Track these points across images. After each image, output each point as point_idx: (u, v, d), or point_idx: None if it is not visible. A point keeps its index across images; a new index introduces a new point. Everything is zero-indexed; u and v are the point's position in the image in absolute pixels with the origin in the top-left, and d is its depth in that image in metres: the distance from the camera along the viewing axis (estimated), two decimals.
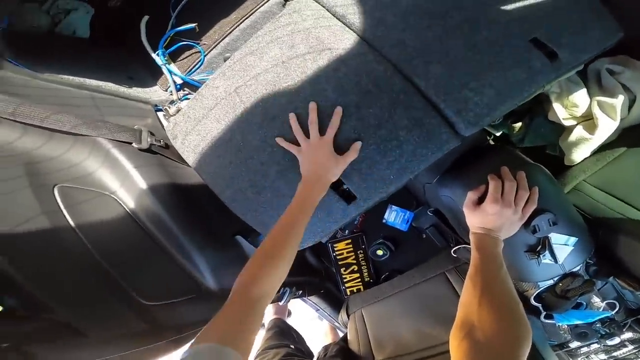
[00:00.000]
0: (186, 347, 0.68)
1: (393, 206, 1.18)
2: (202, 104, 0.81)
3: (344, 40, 0.72)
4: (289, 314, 1.76)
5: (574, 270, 0.73)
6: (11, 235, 0.57)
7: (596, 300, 0.79)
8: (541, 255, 0.69)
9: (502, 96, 0.65)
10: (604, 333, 0.79)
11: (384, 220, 1.20)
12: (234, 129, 0.77)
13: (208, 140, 0.80)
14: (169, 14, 0.96)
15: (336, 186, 0.71)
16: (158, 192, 0.82)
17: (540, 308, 0.77)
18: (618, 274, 0.75)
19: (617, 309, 0.77)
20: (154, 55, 0.94)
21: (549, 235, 0.69)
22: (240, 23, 0.91)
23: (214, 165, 0.80)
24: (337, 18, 0.75)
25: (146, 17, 0.96)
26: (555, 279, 0.74)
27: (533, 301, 0.77)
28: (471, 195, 0.68)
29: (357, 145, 0.68)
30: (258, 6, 0.90)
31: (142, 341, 0.64)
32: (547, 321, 0.78)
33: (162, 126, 0.94)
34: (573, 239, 0.70)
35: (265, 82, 0.74)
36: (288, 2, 0.82)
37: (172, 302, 0.78)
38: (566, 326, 0.82)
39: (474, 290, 0.55)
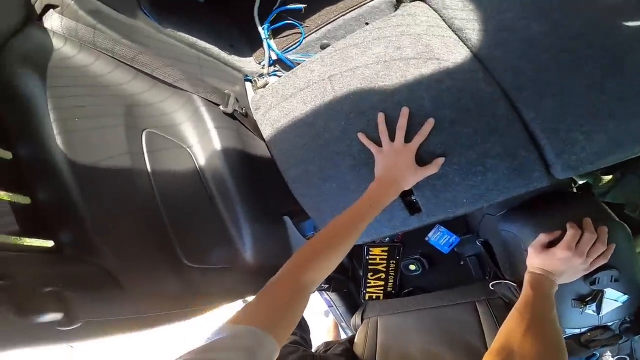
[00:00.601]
0: (208, 318, 0.68)
1: (441, 227, 1.15)
2: (293, 82, 0.84)
3: (455, 54, 0.69)
4: None
5: (608, 324, 0.73)
6: (93, 168, 0.59)
7: (608, 354, 0.81)
8: (587, 306, 0.69)
9: (614, 146, 0.60)
10: None
11: (426, 238, 1.17)
12: (318, 114, 0.78)
13: (289, 118, 0.82)
14: None
15: (405, 195, 0.70)
16: (229, 155, 0.85)
17: None
18: None
19: None
20: (259, 28, 0.98)
21: (605, 290, 0.68)
22: (347, 13, 0.92)
23: (288, 143, 0.82)
24: (452, 30, 0.73)
25: None
26: (585, 328, 0.74)
27: None
28: (544, 237, 0.67)
29: (440, 160, 0.66)
30: (367, 0, 0.91)
31: (174, 304, 0.64)
32: None
33: (247, 96, 0.99)
34: (625, 297, 0.69)
35: (362, 77, 0.74)
36: (403, 4, 0.82)
37: (210, 268, 0.79)
38: None
39: (521, 320, 0.55)
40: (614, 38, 0.63)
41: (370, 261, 1.22)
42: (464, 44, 0.71)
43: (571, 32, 0.64)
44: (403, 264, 1.21)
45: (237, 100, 0.96)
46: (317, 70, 0.81)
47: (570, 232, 0.63)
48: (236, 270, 0.86)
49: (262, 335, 0.39)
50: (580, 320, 0.72)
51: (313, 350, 1.10)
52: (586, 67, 0.62)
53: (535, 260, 0.66)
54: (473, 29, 0.71)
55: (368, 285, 1.24)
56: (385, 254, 1.22)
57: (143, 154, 0.71)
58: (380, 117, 0.70)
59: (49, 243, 0.54)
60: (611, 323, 0.73)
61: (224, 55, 0.99)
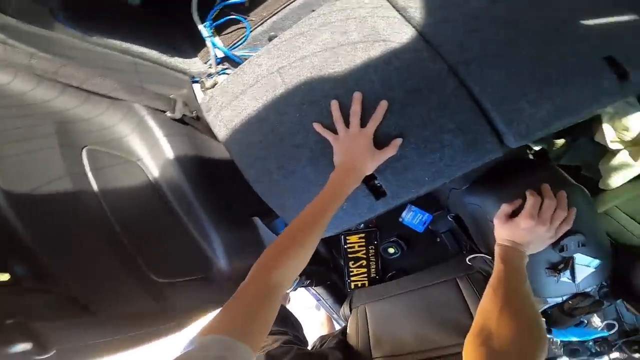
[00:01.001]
0: (188, 332, 0.66)
1: (412, 206, 1.17)
2: (242, 79, 0.80)
3: (401, 34, 0.69)
4: (288, 300, 1.76)
5: (587, 290, 0.74)
6: (32, 197, 0.55)
7: (597, 319, 0.81)
8: (561, 274, 0.69)
9: (560, 112, 0.61)
10: (594, 351, 0.82)
11: (400, 219, 1.19)
12: (271, 108, 0.75)
13: (242, 117, 0.79)
14: None
15: (367, 180, 0.68)
16: (183, 163, 0.82)
17: (546, 322, 0.79)
18: (627, 298, 0.78)
19: (614, 330, 0.80)
20: (200, 27, 0.93)
21: (574, 255, 0.69)
22: (292, 2, 0.89)
23: (245, 143, 0.79)
24: (396, 10, 0.72)
25: None
26: (565, 297, 0.75)
27: None
28: (505, 208, 0.67)
29: (398, 142, 0.65)
30: None
31: (151, 322, 0.62)
32: None
33: (196, 98, 0.93)
34: (596, 262, 0.70)
35: (311, 66, 0.72)
36: None
37: (184, 281, 0.76)
38: (559, 341, 0.84)
39: (495, 299, 0.56)
40: (553, 9, 0.65)
41: (349, 250, 1.22)
42: (409, 22, 0.70)
43: (513, 5, 0.66)
44: (382, 248, 1.22)
45: (186, 104, 0.90)
46: (265, 64, 0.78)
47: (530, 200, 0.64)
48: (214, 278, 0.83)
49: (233, 343, 0.37)
50: (558, 289, 0.73)
51: (310, 346, 1.09)
52: (528, 39, 0.64)
53: (501, 232, 0.67)
54: (416, 8, 0.70)
55: (351, 274, 1.24)
56: (363, 240, 1.22)
57: (86, 173, 0.67)
58: (334, 104, 0.68)
59: (5, 276, 0.51)
60: (590, 289, 0.74)
61: (165, 58, 0.93)
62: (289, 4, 0.90)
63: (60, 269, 0.53)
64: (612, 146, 0.76)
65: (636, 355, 0.82)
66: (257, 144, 0.76)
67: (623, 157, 0.75)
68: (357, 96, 0.67)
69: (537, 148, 0.88)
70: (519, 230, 0.64)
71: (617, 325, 0.79)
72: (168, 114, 0.85)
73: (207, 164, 0.90)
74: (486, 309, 0.56)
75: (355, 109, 0.66)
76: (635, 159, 0.74)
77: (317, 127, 0.69)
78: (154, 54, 0.91)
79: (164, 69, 0.95)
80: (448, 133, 0.64)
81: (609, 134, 0.76)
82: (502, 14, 0.66)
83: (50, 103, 0.65)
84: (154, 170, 0.80)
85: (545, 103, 0.61)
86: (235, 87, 0.81)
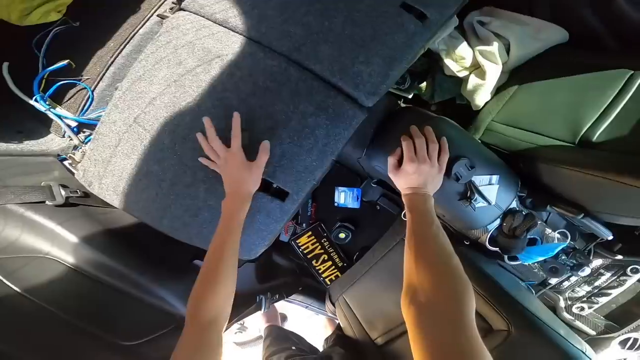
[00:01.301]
0: None
1: (340, 187, 1.19)
2: (104, 142, 0.77)
3: (231, 45, 0.70)
4: (284, 318, 1.74)
5: (511, 207, 0.77)
6: None
7: (549, 231, 0.80)
8: (473, 200, 0.72)
9: (389, 62, 0.69)
10: (572, 265, 0.80)
11: (335, 204, 1.20)
12: (147, 160, 0.74)
13: (125, 179, 0.77)
14: (35, 54, 0.86)
15: (266, 187, 0.72)
16: (92, 241, 0.80)
17: (499, 251, 0.80)
18: (553, 202, 0.77)
19: (569, 237, 0.79)
20: (32, 102, 0.84)
21: (472, 179, 0.72)
22: (122, 50, 0.85)
23: (142, 201, 0.77)
24: (218, 24, 0.73)
25: (6, 64, 0.85)
26: (498, 220, 0.77)
27: (489, 246, 0.80)
28: (391, 160, 0.70)
29: (265, 144, 0.66)
30: (136, 29, 0.85)
31: None
32: (513, 263, 0.82)
33: (74, 175, 0.88)
34: (495, 177, 0.73)
35: (164, 105, 0.72)
36: (164, 20, 0.78)
37: (154, 337, 0.78)
38: (537, 264, 0.83)
39: (410, 253, 0.56)
40: None
41: (305, 251, 1.23)
42: (234, 32, 0.72)
43: None
44: (332, 236, 1.23)
45: (65, 186, 0.86)
46: (118, 119, 0.75)
47: (404, 145, 0.67)
48: (182, 325, 0.86)
49: None
50: (484, 215, 0.75)
51: (321, 351, 1.12)
52: (334, 8, 0.70)
53: (399, 183, 0.69)
54: (235, 16, 0.72)
55: (320, 271, 1.24)
56: (313, 238, 1.22)
57: (2, 280, 0.67)
58: (199, 136, 0.68)
59: None
60: (512, 205, 0.75)
61: (14, 146, 0.86)
62: (119, 53, 0.85)
63: None
64: (460, 75, 0.87)
65: (618, 256, 0.80)
66: (155, 198, 0.76)
67: (473, 80, 0.86)
68: (207, 123, 0.66)
69: (409, 96, 0.93)
70: (409, 175, 0.66)
71: (569, 233, 0.79)
72: (48, 202, 0.80)
73: (118, 231, 0.87)
74: (406, 265, 0.56)
75: (211, 135, 0.66)
76: (482, 79, 0.84)
77: (202, 160, 0.69)
78: (1, 145, 0.82)
79: (20, 157, 0.86)
80: (311, 116, 0.70)
81: (453, 66, 0.85)
82: None
83: None
84: (67, 258, 0.77)
85: (374, 59, 0.68)
86: (102, 153, 0.78)
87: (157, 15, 0.86)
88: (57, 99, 0.88)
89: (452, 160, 0.70)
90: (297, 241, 1.22)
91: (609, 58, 0.76)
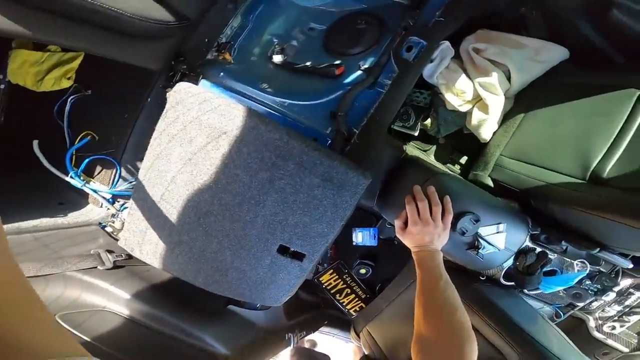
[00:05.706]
0: None
1: (357, 229, 1.22)
2: (139, 216, 0.84)
3: (234, 119, 0.73)
4: (314, 345, 1.79)
5: (522, 247, 0.76)
6: None
7: (568, 262, 0.79)
8: (480, 250, 0.73)
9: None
10: (595, 290, 0.79)
11: (354, 244, 1.23)
12: (178, 231, 0.81)
13: (162, 246, 0.85)
14: (57, 123, 0.94)
15: (284, 251, 0.79)
16: (142, 295, 0.93)
17: (515, 285, 0.80)
18: (567, 238, 0.76)
19: (589, 267, 0.77)
20: (69, 179, 0.94)
21: (478, 231, 0.72)
22: (136, 121, 0.90)
23: (178, 264, 0.86)
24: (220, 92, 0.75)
25: (36, 142, 0.94)
26: (511, 259, 0.77)
27: (503, 281, 0.81)
28: (397, 223, 0.73)
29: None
30: (144, 100, 0.89)
31: None
32: (534, 293, 0.83)
33: (116, 240, 0.98)
34: (502, 225, 0.73)
35: (183, 184, 0.77)
36: (168, 94, 0.81)
37: None
38: (561, 289, 0.81)
39: (419, 305, 0.60)
40: None
41: (328, 287, 1.28)
42: (237, 102, 0.74)
43: None
44: (354, 272, 1.27)
45: (111, 251, 0.97)
46: (147, 197, 0.82)
47: (408, 209, 0.69)
48: None
49: None
50: (494, 259, 0.75)
51: None
52: None
53: (406, 242, 0.71)
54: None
55: (344, 304, 1.30)
56: (335, 275, 1.27)
57: (71, 331, 0.79)
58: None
59: None
60: (523, 245, 0.75)
61: (60, 220, 0.96)
62: (134, 125, 0.90)
63: None
64: (462, 109, 0.83)
65: None
66: (188, 261, 0.84)
67: (476, 114, 0.83)
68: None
69: (416, 133, 0.90)
70: (415, 236, 0.68)
71: (588, 263, 0.77)
72: (99, 267, 0.93)
73: (162, 285, 0.99)
74: (416, 316, 0.60)
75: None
76: (485, 112, 0.81)
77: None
78: (46, 221, 0.94)
79: (68, 229, 0.98)
80: (317, 188, 0.73)
81: (454, 101, 0.82)
82: None
83: None
84: (123, 310, 0.91)
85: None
86: (138, 225, 0.86)
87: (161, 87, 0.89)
88: (88, 171, 0.96)
89: (457, 216, 0.70)
90: (320, 279, 1.27)
91: (614, 77, 0.71)
